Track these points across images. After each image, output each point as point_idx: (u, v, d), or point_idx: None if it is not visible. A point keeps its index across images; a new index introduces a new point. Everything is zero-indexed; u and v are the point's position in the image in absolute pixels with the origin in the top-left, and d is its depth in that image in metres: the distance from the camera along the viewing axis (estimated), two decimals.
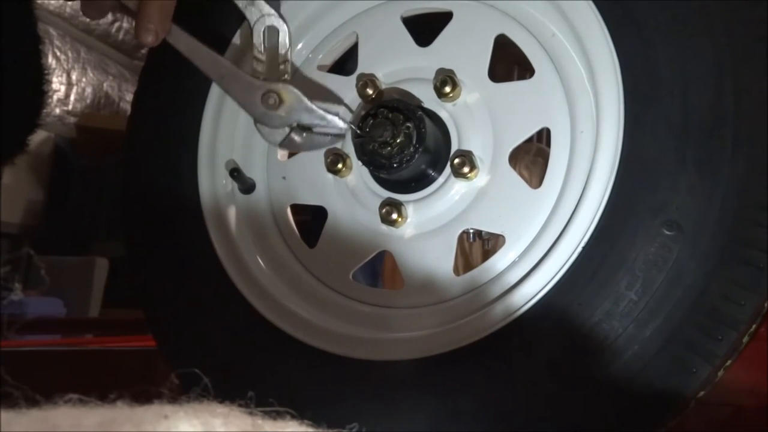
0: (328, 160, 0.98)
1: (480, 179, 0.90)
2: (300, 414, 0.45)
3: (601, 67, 0.81)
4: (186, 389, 0.47)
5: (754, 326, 0.69)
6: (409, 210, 0.93)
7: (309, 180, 1.02)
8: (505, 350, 0.79)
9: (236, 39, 1.04)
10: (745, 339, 0.69)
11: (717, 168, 0.70)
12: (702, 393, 0.70)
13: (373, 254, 0.97)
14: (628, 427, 0.73)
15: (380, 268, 1.85)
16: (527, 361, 0.78)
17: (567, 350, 0.75)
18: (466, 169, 0.88)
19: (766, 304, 0.69)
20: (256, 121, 0.94)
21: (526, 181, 0.89)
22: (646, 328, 0.71)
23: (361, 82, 0.97)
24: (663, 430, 0.72)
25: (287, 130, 0.93)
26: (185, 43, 0.92)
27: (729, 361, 0.69)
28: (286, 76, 0.95)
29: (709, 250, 0.69)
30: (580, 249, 0.76)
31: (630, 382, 0.72)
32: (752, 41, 0.71)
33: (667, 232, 0.71)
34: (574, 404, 0.75)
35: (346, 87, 1.00)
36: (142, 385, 0.50)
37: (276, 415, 0.43)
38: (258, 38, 0.96)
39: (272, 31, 0.96)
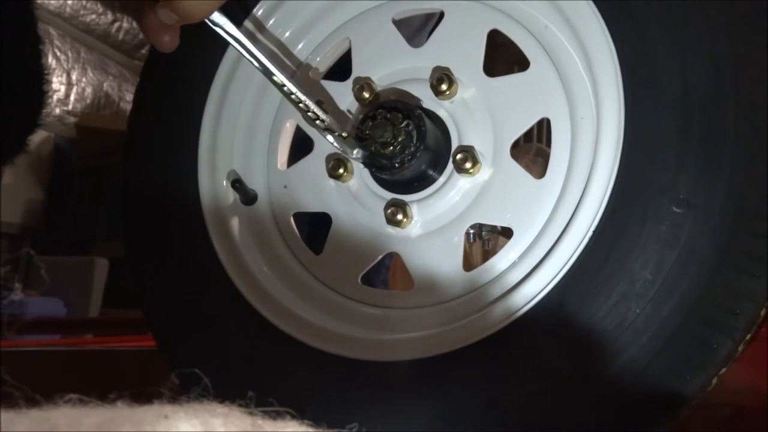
0: (329, 165, 0.98)
1: (483, 174, 0.90)
2: (300, 414, 0.45)
3: (597, 52, 0.81)
4: (186, 389, 0.47)
5: None
6: (414, 210, 0.93)
7: (311, 187, 1.01)
8: (511, 345, 0.79)
9: None
10: (763, 312, 0.68)
11: (722, 141, 0.70)
12: (724, 370, 0.70)
13: (381, 256, 0.97)
14: (644, 418, 0.72)
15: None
16: (533, 355, 0.77)
17: (576, 343, 0.75)
18: (468, 165, 0.88)
19: None
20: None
21: None
22: (663, 307, 0.71)
23: (357, 86, 0.97)
24: (688, 411, 0.71)
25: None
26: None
27: (748, 336, 0.69)
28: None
29: (720, 225, 0.69)
30: (590, 233, 0.76)
31: (646, 367, 0.71)
32: (749, 15, 0.71)
33: (677, 210, 0.71)
34: (583, 400, 0.74)
35: (342, 92, 1.00)
36: (142, 385, 0.50)
37: (276, 415, 0.43)
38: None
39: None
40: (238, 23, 0.88)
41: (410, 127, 0.88)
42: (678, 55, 0.74)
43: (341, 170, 0.97)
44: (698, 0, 0.74)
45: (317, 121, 0.89)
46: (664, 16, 0.75)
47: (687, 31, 0.74)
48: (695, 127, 0.72)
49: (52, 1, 3.55)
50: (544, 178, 0.86)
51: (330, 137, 0.90)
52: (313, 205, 1.02)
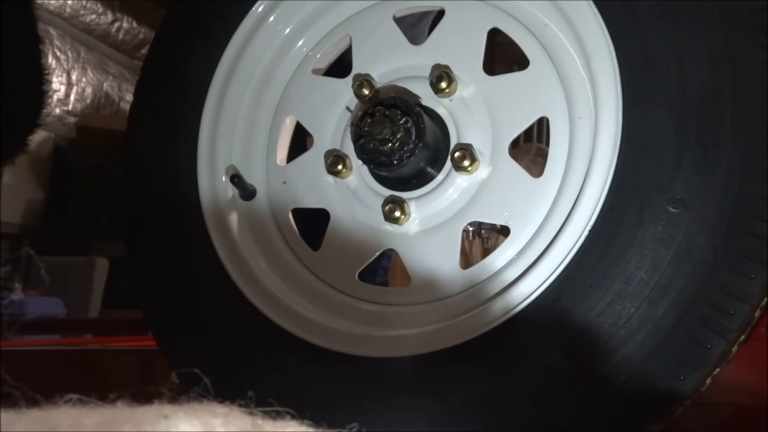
0: (328, 161, 0.98)
1: (481, 172, 0.90)
2: (300, 414, 0.45)
3: (595, 51, 0.81)
4: (186, 389, 0.47)
5: (765, 300, 0.69)
6: (412, 207, 0.93)
7: (309, 183, 1.01)
8: (508, 342, 0.79)
9: None
10: (757, 313, 0.69)
11: (719, 141, 0.70)
12: (718, 370, 0.70)
13: (378, 253, 0.97)
14: (638, 416, 0.72)
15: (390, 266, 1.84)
16: (529, 352, 0.78)
17: (571, 340, 0.75)
18: (466, 163, 0.89)
19: None
20: None
21: None
22: (658, 306, 0.71)
23: (357, 83, 0.97)
24: (681, 410, 0.71)
25: None
26: None
27: (742, 336, 0.69)
28: None
29: (716, 224, 0.69)
30: (587, 232, 0.76)
31: (640, 367, 0.71)
32: (747, 15, 0.72)
33: (673, 210, 0.71)
34: (577, 397, 0.75)
35: (342, 88, 1.00)
36: (142, 385, 0.50)
37: (276, 415, 0.43)
38: None
39: None
40: None
41: (409, 125, 0.88)
42: (676, 55, 0.74)
43: (340, 167, 0.97)
44: (697, 0, 0.74)
45: None
46: (662, 16, 0.75)
47: (685, 31, 0.74)
48: (692, 127, 0.72)
49: (52, 1, 3.55)
50: (541, 177, 0.87)
51: None
52: (312, 202, 1.02)
